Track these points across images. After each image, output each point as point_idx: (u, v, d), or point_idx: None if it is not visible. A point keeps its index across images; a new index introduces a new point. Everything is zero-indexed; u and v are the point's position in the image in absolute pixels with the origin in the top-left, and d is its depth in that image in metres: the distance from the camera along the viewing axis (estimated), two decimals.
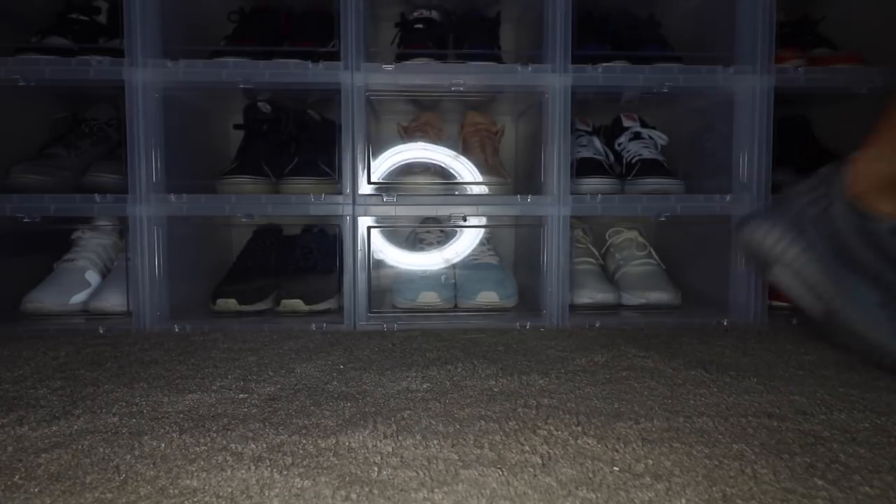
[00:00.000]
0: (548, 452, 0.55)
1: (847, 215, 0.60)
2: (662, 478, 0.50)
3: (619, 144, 1.29)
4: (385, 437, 0.59)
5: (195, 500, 0.47)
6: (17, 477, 0.51)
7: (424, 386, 0.75)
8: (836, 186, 0.58)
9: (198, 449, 0.56)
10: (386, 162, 1.33)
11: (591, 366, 0.83)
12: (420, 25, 1.26)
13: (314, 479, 0.50)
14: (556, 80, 1.09)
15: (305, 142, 1.26)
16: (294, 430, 0.61)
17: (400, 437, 0.59)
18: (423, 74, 1.11)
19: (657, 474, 0.51)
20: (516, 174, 1.42)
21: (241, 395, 0.71)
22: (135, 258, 1.06)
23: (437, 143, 1.30)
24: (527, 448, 0.56)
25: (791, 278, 0.64)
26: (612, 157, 1.28)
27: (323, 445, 0.57)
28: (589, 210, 1.12)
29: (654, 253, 1.28)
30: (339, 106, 1.08)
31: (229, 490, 0.49)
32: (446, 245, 1.31)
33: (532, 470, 0.52)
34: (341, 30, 1.07)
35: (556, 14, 1.08)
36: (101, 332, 1.04)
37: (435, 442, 0.58)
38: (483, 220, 1.28)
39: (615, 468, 0.52)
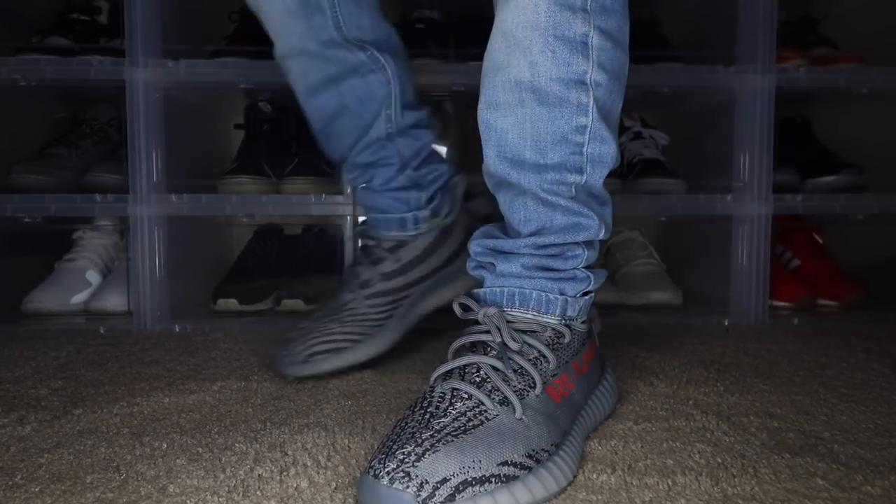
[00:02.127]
0: None
1: None
2: (664, 478, 0.50)
3: (620, 144, 1.29)
4: None
5: (196, 499, 0.47)
6: (18, 477, 0.51)
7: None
8: None
9: (199, 449, 0.56)
10: None
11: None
12: (421, 25, 1.26)
13: (314, 480, 0.50)
14: None
15: (306, 142, 1.26)
16: (295, 430, 0.61)
17: None
18: (424, 74, 1.11)
19: (658, 474, 0.51)
20: None
21: (242, 395, 0.71)
22: (135, 258, 1.06)
23: (437, 143, 1.30)
24: None
25: None
26: None
27: (323, 445, 0.57)
28: None
29: (654, 253, 1.28)
30: None
31: (230, 490, 0.49)
32: None
33: None
34: None
35: None
36: (102, 331, 1.04)
37: None
38: None
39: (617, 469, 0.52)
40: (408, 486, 0.43)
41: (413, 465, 0.44)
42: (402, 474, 0.43)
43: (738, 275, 1.13)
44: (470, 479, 0.44)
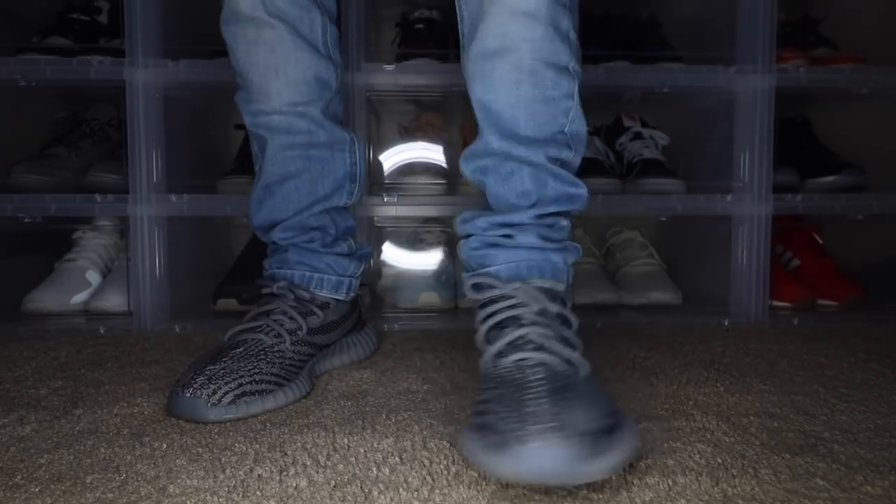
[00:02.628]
0: None
1: None
2: (664, 477, 0.50)
3: (620, 144, 1.29)
4: (385, 436, 0.59)
5: (196, 499, 0.47)
6: (18, 477, 0.51)
7: (425, 387, 0.75)
8: None
9: (199, 449, 0.56)
10: (387, 162, 1.33)
11: (592, 366, 0.83)
12: (421, 25, 1.26)
13: (314, 479, 0.50)
14: None
15: None
16: (295, 430, 0.61)
17: (400, 437, 0.59)
18: (424, 74, 1.11)
19: (659, 474, 0.51)
20: None
21: None
22: (135, 258, 1.06)
23: (437, 143, 1.30)
24: None
25: None
26: (612, 157, 1.28)
27: (322, 445, 0.57)
28: (590, 210, 1.11)
29: (654, 253, 1.28)
30: None
31: (230, 490, 0.49)
32: (446, 245, 1.31)
33: None
34: (342, 30, 1.07)
35: None
36: (102, 332, 1.04)
37: (435, 442, 0.58)
38: None
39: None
40: None
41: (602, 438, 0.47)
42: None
43: (738, 275, 1.13)
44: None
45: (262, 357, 0.69)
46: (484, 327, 0.60)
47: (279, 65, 0.74)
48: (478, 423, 0.51)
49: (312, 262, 0.81)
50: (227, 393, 0.63)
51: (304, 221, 0.80)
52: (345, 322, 0.84)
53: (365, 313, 0.92)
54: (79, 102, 1.30)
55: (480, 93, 0.65)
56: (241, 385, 0.65)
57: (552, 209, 0.65)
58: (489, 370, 0.57)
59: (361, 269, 0.86)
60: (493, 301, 0.61)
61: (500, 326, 0.59)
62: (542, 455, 0.45)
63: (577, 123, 0.65)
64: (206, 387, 0.63)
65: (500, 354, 0.56)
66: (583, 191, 0.66)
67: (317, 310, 0.79)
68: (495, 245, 0.65)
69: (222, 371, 0.65)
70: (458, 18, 0.68)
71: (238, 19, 0.74)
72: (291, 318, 0.75)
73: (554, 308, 0.60)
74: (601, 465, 0.46)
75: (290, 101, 0.76)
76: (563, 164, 0.66)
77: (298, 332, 0.75)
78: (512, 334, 0.57)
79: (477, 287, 0.63)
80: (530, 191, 0.65)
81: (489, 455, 0.47)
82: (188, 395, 0.63)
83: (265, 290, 0.79)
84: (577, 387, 0.52)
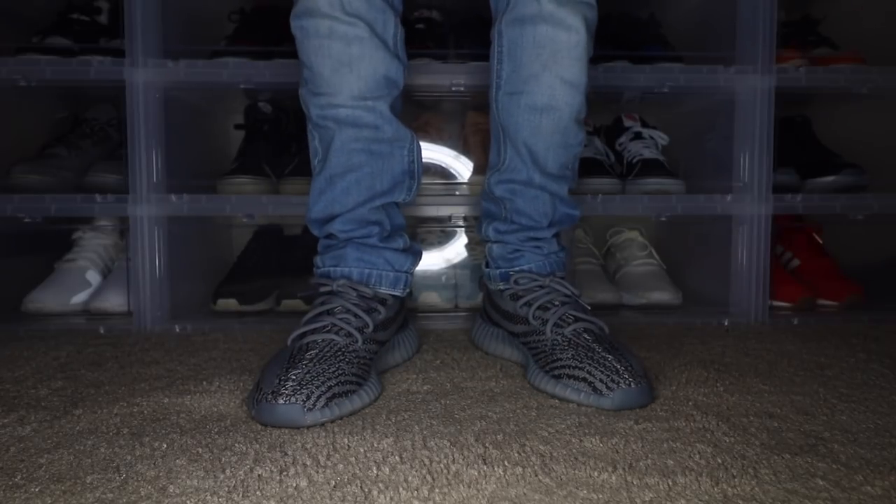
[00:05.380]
0: (548, 453, 0.55)
1: None
2: (664, 478, 0.50)
3: (620, 144, 1.29)
4: (385, 436, 0.59)
5: (196, 499, 0.47)
6: (18, 477, 0.51)
7: (425, 387, 0.75)
8: None
9: (199, 449, 0.56)
10: None
11: None
12: (420, 25, 1.26)
13: (314, 479, 0.50)
14: None
15: (306, 142, 1.25)
16: (295, 430, 0.61)
17: (400, 437, 0.59)
18: (424, 74, 1.11)
19: (659, 474, 0.51)
20: None
21: (241, 396, 0.71)
22: (135, 258, 1.06)
23: (437, 143, 1.30)
24: (527, 448, 0.56)
25: None
26: (612, 157, 1.28)
27: (322, 445, 0.57)
28: (590, 210, 1.11)
29: (654, 253, 1.28)
30: None
31: (230, 490, 0.49)
32: (447, 245, 1.31)
33: (532, 470, 0.52)
34: None
35: None
36: (102, 332, 1.04)
37: (435, 442, 0.58)
38: None
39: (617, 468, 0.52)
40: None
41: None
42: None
43: (738, 275, 1.13)
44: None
45: (341, 357, 0.69)
46: (538, 303, 0.79)
47: (353, 61, 0.76)
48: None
49: (371, 258, 0.81)
50: (319, 397, 0.63)
51: (363, 215, 0.81)
52: (397, 319, 0.84)
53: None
54: (79, 102, 1.30)
55: (527, 137, 0.80)
56: (330, 388, 0.64)
57: (558, 227, 0.86)
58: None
59: (415, 266, 0.87)
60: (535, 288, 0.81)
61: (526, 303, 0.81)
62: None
63: (577, 162, 0.86)
64: (298, 392, 0.62)
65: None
66: (577, 212, 0.87)
67: (378, 306, 0.78)
68: (526, 250, 0.84)
69: (308, 375, 0.64)
70: (495, 58, 0.80)
71: (312, 16, 0.75)
72: (357, 315, 0.75)
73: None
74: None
75: (360, 96, 0.77)
76: (567, 192, 0.85)
77: (366, 330, 0.74)
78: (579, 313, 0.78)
79: (517, 282, 0.83)
80: (549, 212, 0.83)
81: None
82: (282, 402, 0.62)
83: (324, 289, 0.78)
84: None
